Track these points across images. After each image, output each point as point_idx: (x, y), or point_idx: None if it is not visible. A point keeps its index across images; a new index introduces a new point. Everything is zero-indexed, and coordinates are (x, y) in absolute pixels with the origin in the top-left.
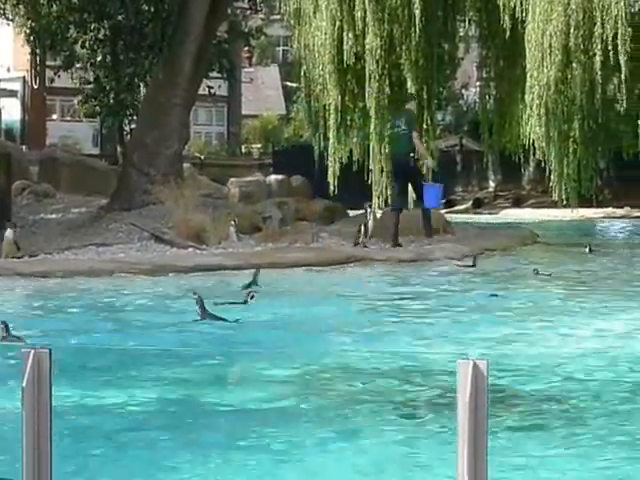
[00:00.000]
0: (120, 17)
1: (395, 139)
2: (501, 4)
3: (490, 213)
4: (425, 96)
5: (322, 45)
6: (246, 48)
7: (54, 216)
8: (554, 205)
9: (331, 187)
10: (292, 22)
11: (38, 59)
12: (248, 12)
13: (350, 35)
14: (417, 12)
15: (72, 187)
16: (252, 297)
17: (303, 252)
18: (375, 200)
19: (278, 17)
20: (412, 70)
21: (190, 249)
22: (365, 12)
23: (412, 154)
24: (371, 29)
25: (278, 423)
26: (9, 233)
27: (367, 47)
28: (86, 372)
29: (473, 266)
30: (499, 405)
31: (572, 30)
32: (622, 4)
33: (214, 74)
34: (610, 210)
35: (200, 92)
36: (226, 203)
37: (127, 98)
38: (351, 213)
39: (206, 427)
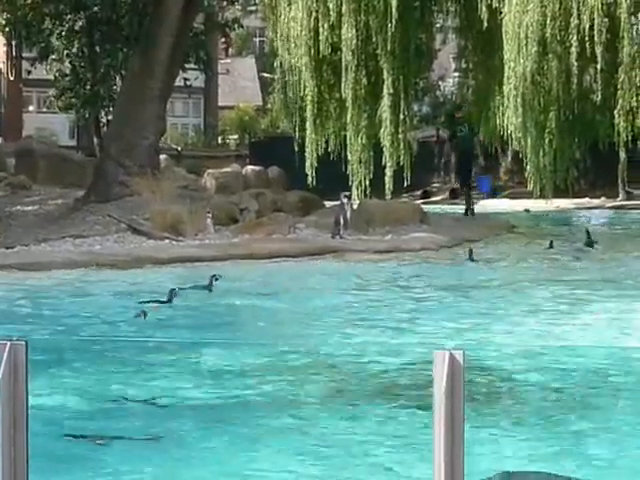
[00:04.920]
0: (96, 8)
1: (461, 138)
2: None
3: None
4: (402, 87)
5: (297, 36)
6: (223, 39)
7: (31, 208)
8: (530, 196)
9: (308, 178)
10: (267, 13)
11: (14, 51)
12: (224, 3)
13: (325, 26)
14: (394, 2)
15: (49, 179)
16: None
17: (280, 243)
18: (354, 191)
19: (254, 8)
20: (388, 61)
21: (167, 240)
22: (341, 2)
23: (474, 151)
24: (347, 19)
25: None
26: None
27: (343, 38)
28: None
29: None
30: None
31: (548, 21)
32: None
33: (190, 65)
34: (586, 200)
35: (176, 83)
36: (203, 195)
37: (103, 89)
38: (329, 204)
39: None
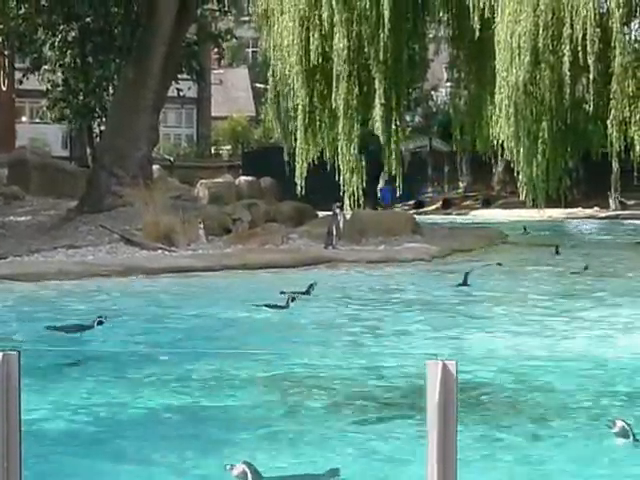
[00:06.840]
0: (89, 19)
1: (371, 153)
2: (470, 5)
3: (459, 214)
4: (394, 97)
5: (289, 46)
6: (215, 50)
7: (23, 218)
8: (523, 205)
9: (298, 188)
10: (260, 23)
11: (7, 61)
12: (217, 14)
13: (317, 35)
14: (386, 12)
15: (41, 189)
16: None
17: (273, 253)
18: (346, 201)
19: (247, 19)
20: (381, 71)
21: (160, 251)
22: (333, 12)
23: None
24: (339, 29)
25: None
26: None
27: (335, 47)
28: None
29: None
30: None
31: (541, 31)
32: (591, 5)
33: (183, 76)
34: (578, 210)
35: (169, 94)
36: (195, 205)
37: (96, 100)
38: (322, 214)
39: None
